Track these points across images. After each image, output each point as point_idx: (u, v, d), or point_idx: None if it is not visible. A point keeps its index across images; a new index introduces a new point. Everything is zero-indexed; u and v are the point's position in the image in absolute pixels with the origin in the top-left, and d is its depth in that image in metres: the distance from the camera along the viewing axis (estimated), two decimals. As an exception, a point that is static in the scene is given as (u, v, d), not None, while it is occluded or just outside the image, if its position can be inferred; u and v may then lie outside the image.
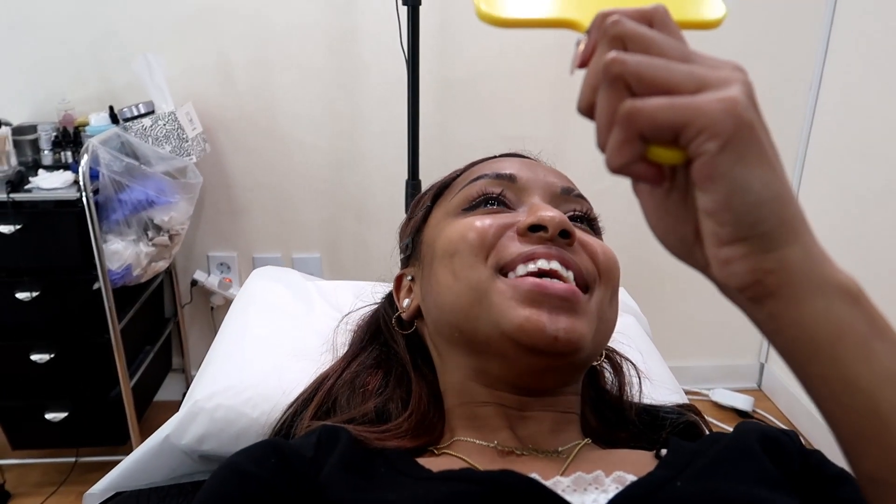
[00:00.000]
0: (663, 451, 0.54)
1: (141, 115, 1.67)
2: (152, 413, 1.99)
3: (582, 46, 0.37)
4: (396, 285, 0.71)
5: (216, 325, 2.10)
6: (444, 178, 0.71)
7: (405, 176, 1.61)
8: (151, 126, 1.65)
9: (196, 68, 1.84)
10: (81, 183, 1.46)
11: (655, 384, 0.75)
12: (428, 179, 1.60)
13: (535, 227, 0.56)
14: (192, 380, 2.14)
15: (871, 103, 1.77)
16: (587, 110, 0.36)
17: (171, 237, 1.71)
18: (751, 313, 0.37)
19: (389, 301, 0.73)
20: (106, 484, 0.72)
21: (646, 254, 2.11)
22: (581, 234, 0.59)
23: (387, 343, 0.69)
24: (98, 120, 1.70)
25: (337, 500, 0.47)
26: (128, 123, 1.65)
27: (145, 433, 1.75)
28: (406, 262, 0.71)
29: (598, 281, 0.58)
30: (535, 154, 0.72)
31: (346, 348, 0.73)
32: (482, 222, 0.58)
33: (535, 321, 0.52)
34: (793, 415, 2.07)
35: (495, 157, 0.70)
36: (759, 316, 0.36)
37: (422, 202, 0.70)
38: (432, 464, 0.53)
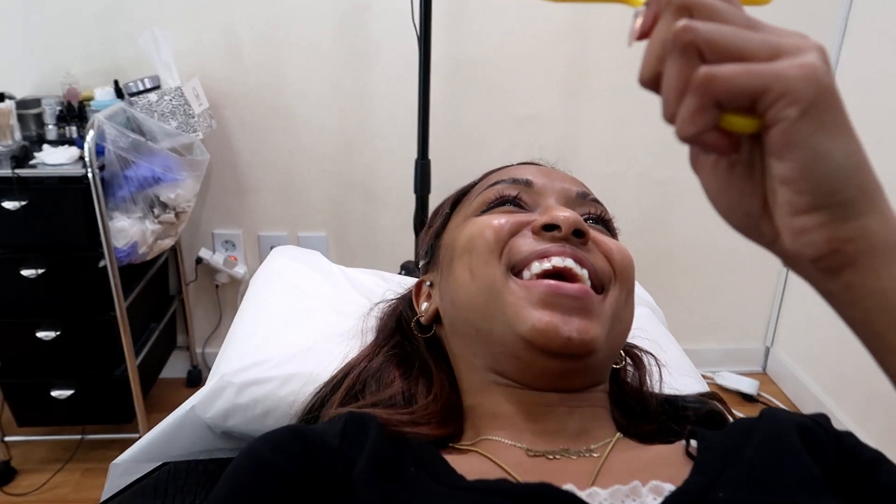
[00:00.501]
0: (693, 444, 0.53)
1: (147, 90, 1.64)
2: (157, 391, 1.99)
3: (640, 19, 0.36)
4: (416, 291, 0.72)
5: (221, 303, 2.10)
6: (462, 188, 0.72)
7: (414, 156, 1.59)
8: (157, 101, 1.63)
9: (203, 44, 1.81)
10: (87, 159, 1.44)
11: (675, 374, 0.74)
12: (437, 160, 1.60)
13: (550, 227, 0.57)
14: (196, 358, 2.14)
15: (888, 92, 1.75)
16: (650, 81, 0.35)
17: (177, 215, 1.69)
18: (823, 285, 0.36)
19: (409, 305, 0.73)
20: (131, 454, 0.72)
21: (653, 238, 2.10)
22: (595, 234, 0.60)
23: (409, 338, 0.70)
24: (103, 94, 1.68)
25: None
26: (133, 98, 1.63)
27: (151, 411, 1.76)
28: (426, 268, 0.72)
29: (614, 280, 0.58)
30: (552, 163, 0.74)
31: (373, 333, 0.73)
32: (498, 220, 0.59)
33: (547, 322, 0.52)
34: (798, 398, 2.08)
35: (512, 165, 0.71)
36: (834, 287, 0.35)
37: (440, 211, 0.72)
38: (461, 463, 0.52)
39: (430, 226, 0.73)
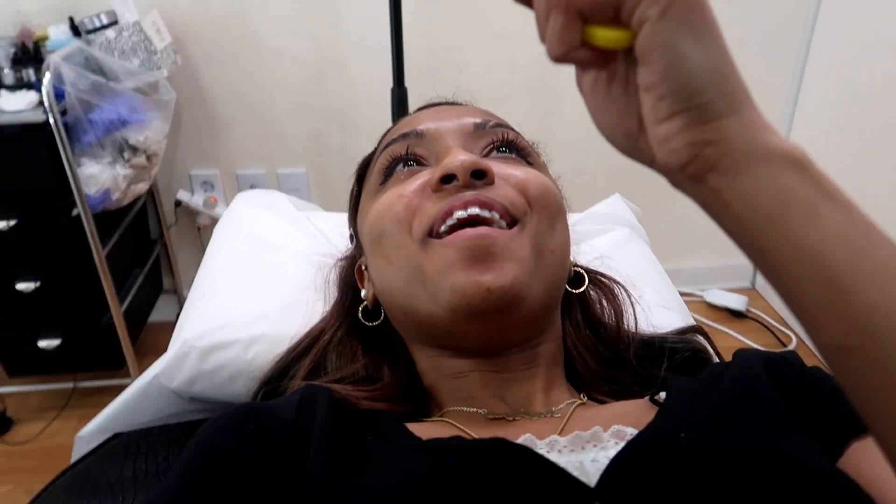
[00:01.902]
0: (662, 395, 0.51)
1: (104, 27, 1.55)
2: (147, 335, 1.99)
3: None
4: (358, 275, 0.67)
5: (204, 245, 2.05)
6: (364, 157, 0.68)
7: (390, 82, 1.53)
8: (116, 38, 1.54)
9: (159, -28, 1.70)
10: (47, 104, 1.37)
11: (654, 305, 0.71)
12: (414, 86, 1.53)
13: (447, 178, 0.53)
14: (184, 300, 2.12)
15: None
16: None
17: (148, 158, 1.64)
18: (697, 194, 0.36)
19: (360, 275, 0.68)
20: (95, 425, 0.70)
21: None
22: (503, 168, 0.55)
23: None
24: (58, 33, 1.59)
25: (320, 484, 0.44)
26: (90, 36, 1.54)
27: (140, 356, 1.76)
28: (360, 251, 0.67)
29: (529, 211, 0.53)
30: (451, 95, 0.68)
31: (337, 289, 0.70)
32: (397, 193, 0.55)
33: (462, 282, 0.48)
34: (786, 312, 2.09)
35: (408, 115, 0.66)
36: (704, 194, 0.36)
37: (352, 190, 0.67)
38: (423, 431, 0.50)
39: (349, 205, 0.69)
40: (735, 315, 2.11)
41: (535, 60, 1.84)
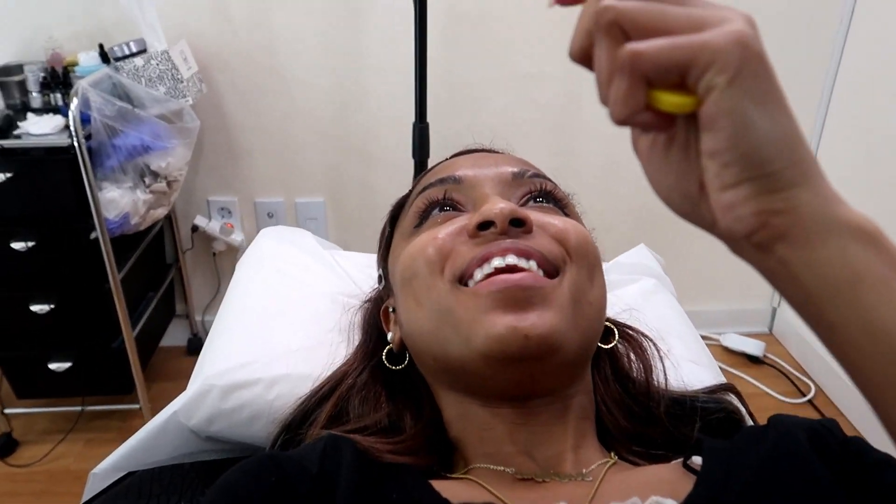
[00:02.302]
0: (696, 460, 0.49)
1: (132, 55, 1.57)
2: (157, 359, 1.98)
3: None
4: (384, 317, 0.66)
5: (219, 271, 2.06)
6: (398, 199, 0.68)
7: (411, 116, 1.53)
8: (144, 66, 1.56)
9: (189, 3, 1.73)
10: (72, 128, 1.39)
11: (684, 362, 0.70)
12: (436, 122, 1.54)
13: (484, 225, 0.52)
14: (196, 326, 2.12)
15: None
16: (580, 56, 0.35)
17: (169, 184, 1.64)
18: (761, 263, 0.35)
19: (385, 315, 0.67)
20: (111, 463, 0.69)
21: (656, 199, 2.04)
22: (541, 217, 0.55)
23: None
24: (87, 59, 1.61)
25: None
26: (119, 63, 1.56)
27: (150, 382, 1.75)
28: (387, 293, 0.66)
29: (569, 261, 0.53)
30: (489, 143, 0.68)
31: (360, 331, 0.69)
32: (432, 236, 0.54)
33: (502, 326, 0.47)
34: (804, 360, 2.05)
35: (444, 160, 0.65)
36: (770, 263, 0.35)
37: (384, 231, 0.67)
38: (449, 490, 0.48)
39: (379, 246, 0.68)
40: (752, 360, 2.08)
41: (555, 99, 1.85)
